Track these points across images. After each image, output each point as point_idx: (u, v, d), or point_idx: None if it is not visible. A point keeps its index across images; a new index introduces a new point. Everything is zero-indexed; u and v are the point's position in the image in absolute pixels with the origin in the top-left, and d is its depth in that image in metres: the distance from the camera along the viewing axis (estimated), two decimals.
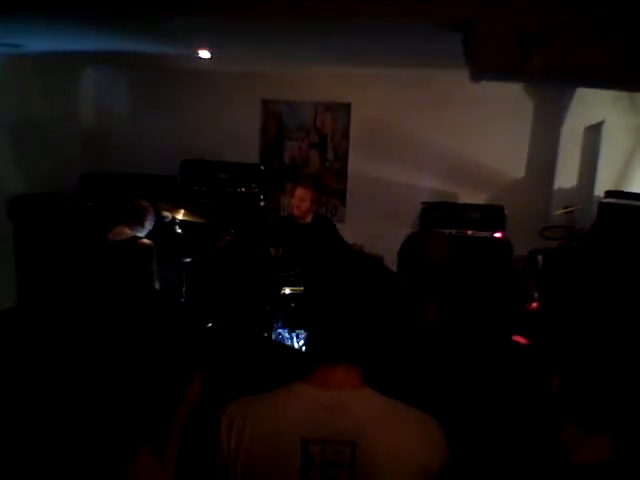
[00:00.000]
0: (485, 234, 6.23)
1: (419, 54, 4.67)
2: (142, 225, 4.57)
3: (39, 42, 4.98)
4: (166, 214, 4.99)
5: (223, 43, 4.59)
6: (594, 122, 6.24)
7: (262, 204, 6.68)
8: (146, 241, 4.49)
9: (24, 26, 4.22)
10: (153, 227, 4.73)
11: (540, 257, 5.10)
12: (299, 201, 5.25)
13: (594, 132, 6.20)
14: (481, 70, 3.04)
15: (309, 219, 5.40)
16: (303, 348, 4.62)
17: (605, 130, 5.96)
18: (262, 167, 6.86)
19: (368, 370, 1.59)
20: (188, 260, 5.23)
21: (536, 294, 4.60)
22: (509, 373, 1.82)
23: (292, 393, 1.55)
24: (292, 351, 3.67)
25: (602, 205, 4.74)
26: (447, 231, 6.33)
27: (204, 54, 5.14)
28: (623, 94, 5.27)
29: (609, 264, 3.47)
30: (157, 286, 4.58)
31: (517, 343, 1.97)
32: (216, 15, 3.21)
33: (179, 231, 5.06)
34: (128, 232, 4.48)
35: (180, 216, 5.09)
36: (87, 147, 6.98)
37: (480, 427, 1.73)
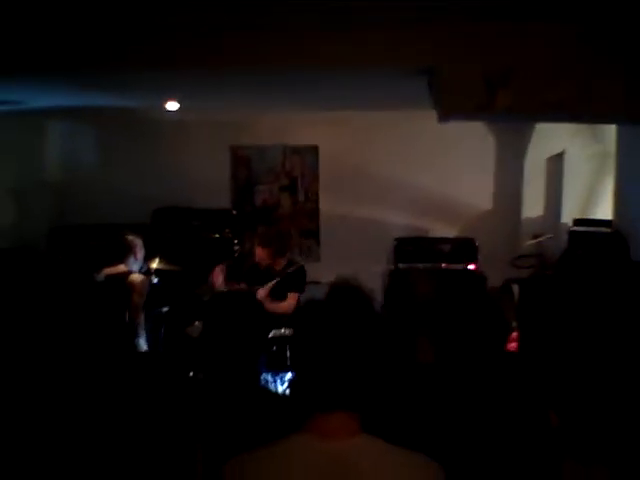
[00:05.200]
0: (458, 267, 6.32)
1: (384, 98, 4.80)
2: (135, 257, 4.62)
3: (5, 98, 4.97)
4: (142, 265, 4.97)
5: (192, 94, 4.65)
6: (555, 152, 6.44)
7: (236, 248, 6.68)
8: (137, 277, 4.51)
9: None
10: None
11: (515, 286, 5.18)
12: (259, 258, 5.24)
13: (556, 162, 6.39)
14: (448, 112, 3.13)
15: (280, 266, 5.28)
16: (287, 392, 4.60)
17: (567, 159, 6.15)
18: (234, 212, 6.89)
19: (365, 416, 1.60)
20: (166, 309, 5.20)
21: (514, 323, 4.65)
22: (507, 411, 1.84)
23: (290, 447, 1.54)
24: (280, 399, 3.66)
25: (572, 233, 4.86)
26: (421, 265, 6.43)
27: (172, 106, 5.19)
28: (584, 125, 5.46)
29: (586, 293, 3.55)
30: (142, 326, 4.58)
31: (509, 380, 2.00)
32: (187, 68, 3.27)
33: (155, 280, 5.04)
34: (123, 268, 4.53)
35: (155, 265, 5.08)
36: (56, 200, 6.93)
37: (483, 467, 1.74)
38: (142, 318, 4.63)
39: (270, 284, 5.01)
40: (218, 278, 5.19)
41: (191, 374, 4.68)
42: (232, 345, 4.69)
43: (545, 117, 3.59)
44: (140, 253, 4.71)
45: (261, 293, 5.01)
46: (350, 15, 2.90)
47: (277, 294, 5.04)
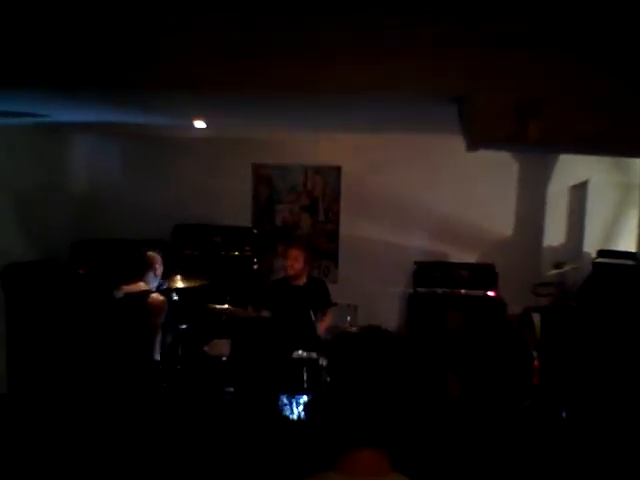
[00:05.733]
0: (478, 293, 6.27)
1: (411, 122, 4.80)
2: (155, 274, 4.63)
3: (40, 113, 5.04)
4: (162, 281, 4.99)
5: (219, 115, 4.69)
6: (579, 181, 6.39)
7: (255, 267, 6.68)
8: (157, 297, 4.51)
9: (23, 101, 4.28)
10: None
11: (535, 315, 5.13)
12: (292, 261, 5.28)
13: (580, 190, 6.35)
14: (478, 140, 3.11)
15: (303, 282, 5.42)
16: (302, 415, 4.57)
17: (591, 188, 6.11)
18: (255, 230, 6.90)
19: (395, 453, 1.58)
20: (184, 326, 5.21)
21: (534, 353, 4.60)
22: (536, 447, 1.81)
23: None
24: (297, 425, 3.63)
25: (596, 265, 4.81)
26: (440, 290, 6.40)
27: (199, 124, 5.23)
28: None
29: (612, 327, 3.51)
30: (158, 346, 4.58)
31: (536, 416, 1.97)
32: (218, 91, 3.29)
33: (175, 298, 5.04)
34: (142, 285, 4.53)
35: (174, 282, 5.09)
36: (79, 214, 7.00)
37: None
38: (159, 337, 4.63)
39: (326, 320, 5.24)
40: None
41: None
42: (257, 367, 4.69)
43: (576, 149, 3.56)
44: (159, 269, 4.73)
45: (322, 327, 5.19)
46: (382, 41, 2.91)
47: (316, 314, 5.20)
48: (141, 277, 4.63)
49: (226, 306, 5.14)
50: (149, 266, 4.66)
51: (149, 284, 4.63)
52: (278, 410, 4.34)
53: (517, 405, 2.04)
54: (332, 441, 1.59)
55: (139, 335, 4.38)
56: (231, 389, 4.72)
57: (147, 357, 4.40)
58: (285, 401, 4.64)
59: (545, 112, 2.93)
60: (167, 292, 4.97)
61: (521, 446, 1.83)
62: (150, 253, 4.78)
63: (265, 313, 5.32)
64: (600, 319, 3.85)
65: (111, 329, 4.34)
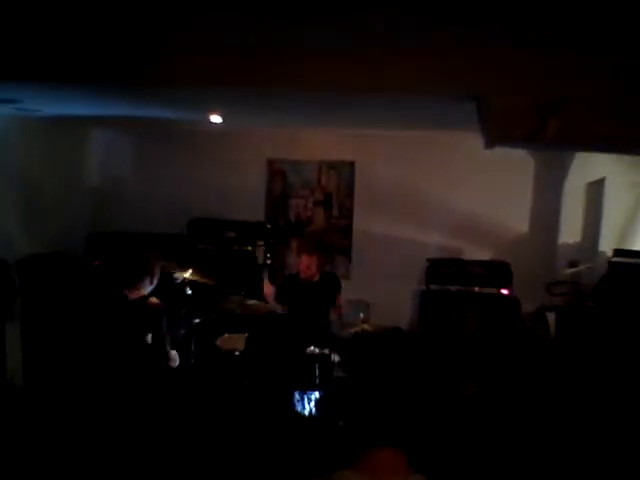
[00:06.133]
0: (492, 290, 6.25)
1: (427, 119, 4.78)
2: (151, 283, 4.53)
3: (54, 108, 5.07)
4: (177, 275, 5.00)
5: (236, 110, 4.69)
6: (595, 179, 6.34)
7: (269, 262, 6.69)
8: (155, 301, 4.47)
9: (41, 94, 4.31)
10: (164, 288, 4.71)
11: (550, 314, 5.10)
12: (305, 267, 5.27)
13: (596, 188, 6.29)
14: (496, 139, 3.10)
15: (316, 277, 5.43)
16: (313, 411, 4.57)
17: (607, 186, 6.05)
18: (268, 225, 6.90)
19: (413, 453, 1.58)
20: (197, 321, 5.22)
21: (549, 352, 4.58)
22: (550, 446, 1.80)
23: None
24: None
25: (612, 264, 4.77)
26: (453, 287, 6.37)
27: (216, 119, 5.24)
28: None
29: (631, 328, 3.48)
30: (168, 347, 4.55)
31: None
32: (235, 86, 3.29)
33: (189, 292, 5.06)
34: (138, 292, 4.48)
35: (189, 276, 5.10)
36: (94, 207, 7.04)
37: None
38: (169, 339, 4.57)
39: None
40: (269, 295, 5.25)
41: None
42: (271, 363, 4.70)
43: (594, 148, 3.53)
44: (156, 279, 4.60)
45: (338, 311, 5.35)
46: (399, 40, 2.90)
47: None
48: (138, 281, 4.52)
49: (239, 300, 5.13)
50: (148, 273, 4.57)
51: (144, 290, 4.51)
52: (291, 406, 4.34)
53: (531, 404, 2.04)
54: (349, 439, 1.59)
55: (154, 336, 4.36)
56: (244, 383, 4.73)
57: (162, 354, 4.39)
58: (297, 397, 4.65)
59: (564, 111, 2.92)
60: (181, 286, 4.98)
61: (535, 445, 1.82)
62: (153, 262, 4.66)
63: (278, 308, 5.33)
64: (618, 320, 3.82)
65: (126, 323, 4.33)
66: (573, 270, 5.68)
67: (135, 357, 4.19)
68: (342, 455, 1.57)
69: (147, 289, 4.52)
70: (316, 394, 4.59)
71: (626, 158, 5.92)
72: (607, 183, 6.10)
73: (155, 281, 4.56)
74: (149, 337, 4.30)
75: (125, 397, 4.02)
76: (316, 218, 7.23)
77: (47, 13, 2.72)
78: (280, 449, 2.79)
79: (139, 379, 4.15)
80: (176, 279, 4.98)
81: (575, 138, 2.98)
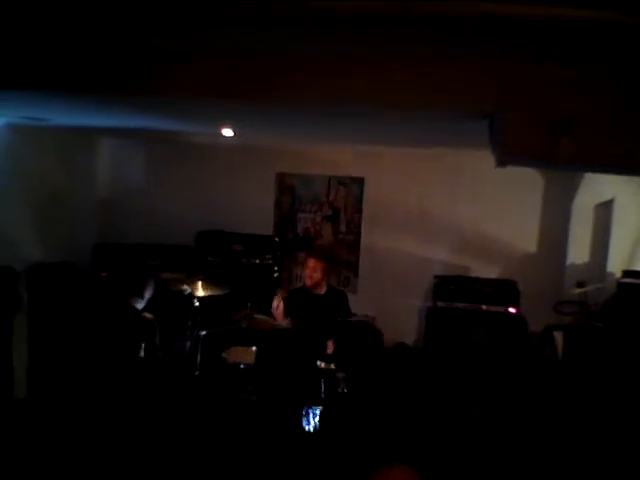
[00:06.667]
0: (499, 309, 6.22)
1: (438, 137, 4.79)
2: (142, 296, 4.50)
3: (63, 118, 5.11)
4: (185, 287, 5.01)
5: (249, 123, 4.71)
6: (604, 199, 6.32)
7: (276, 275, 6.70)
8: (148, 315, 4.46)
9: (53, 104, 4.34)
10: (171, 300, 4.73)
11: (556, 333, 5.08)
12: (311, 271, 5.25)
13: (605, 209, 6.27)
14: (508, 157, 3.10)
15: (323, 291, 5.40)
16: (317, 425, 4.55)
17: (616, 208, 6.03)
18: (276, 239, 6.92)
19: (424, 469, 1.57)
20: (204, 333, 5.22)
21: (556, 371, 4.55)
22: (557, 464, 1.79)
23: None
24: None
25: (621, 285, 4.75)
26: (460, 305, 6.35)
27: (227, 132, 5.26)
28: None
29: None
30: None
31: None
32: (249, 101, 3.31)
33: (197, 304, 5.07)
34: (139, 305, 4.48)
35: (198, 290, 5.11)
36: (102, 217, 7.07)
37: None
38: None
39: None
40: (278, 310, 5.18)
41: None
42: (279, 377, 4.68)
43: (608, 169, 3.52)
44: (148, 295, 4.57)
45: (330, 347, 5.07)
46: (414, 55, 2.92)
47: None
48: (137, 294, 4.50)
49: (246, 313, 5.13)
50: (145, 287, 4.55)
51: (136, 303, 4.49)
52: (299, 421, 4.33)
53: (538, 424, 2.03)
54: (357, 455, 1.59)
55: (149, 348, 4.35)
56: (250, 397, 4.72)
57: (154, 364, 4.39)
58: (303, 412, 4.63)
59: (577, 130, 2.92)
60: (189, 298, 4.99)
61: (541, 463, 1.81)
62: (145, 276, 4.64)
63: (284, 323, 5.31)
64: (626, 340, 3.80)
65: (132, 333, 4.34)
66: (581, 290, 5.65)
67: (133, 367, 4.20)
68: (353, 471, 1.56)
69: (139, 303, 4.48)
70: (320, 409, 4.57)
71: (636, 179, 5.90)
72: (616, 204, 6.08)
73: (147, 297, 4.53)
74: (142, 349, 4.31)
75: (128, 406, 4.02)
76: (324, 233, 7.25)
77: (58, 21, 2.75)
78: (288, 465, 2.77)
79: (139, 388, 4.15)
80: (184, 291, 4.99)
81: (589, 158, 2.97)
